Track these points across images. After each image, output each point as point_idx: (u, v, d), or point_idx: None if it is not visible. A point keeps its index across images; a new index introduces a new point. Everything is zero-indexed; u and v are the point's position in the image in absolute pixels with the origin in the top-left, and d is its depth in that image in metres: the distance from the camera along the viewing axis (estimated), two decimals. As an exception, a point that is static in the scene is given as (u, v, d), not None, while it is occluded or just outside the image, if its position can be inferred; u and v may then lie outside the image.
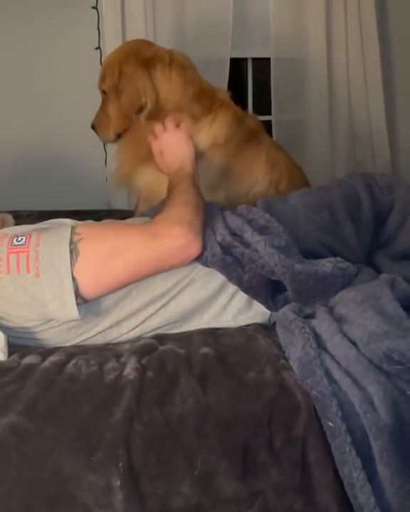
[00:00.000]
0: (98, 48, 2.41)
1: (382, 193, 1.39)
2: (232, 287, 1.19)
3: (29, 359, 1.00)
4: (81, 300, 1.06)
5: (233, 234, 1.22)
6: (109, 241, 1.08)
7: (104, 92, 1.68)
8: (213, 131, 1.58)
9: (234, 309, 1.20)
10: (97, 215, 1.94)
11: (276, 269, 1.13)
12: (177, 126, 1.47)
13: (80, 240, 1.06)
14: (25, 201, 2.15)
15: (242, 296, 1.19)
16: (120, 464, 0.82)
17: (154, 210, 1.34)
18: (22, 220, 1.97)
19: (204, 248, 1.15)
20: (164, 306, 1.16)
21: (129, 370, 0.95)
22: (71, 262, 1.03)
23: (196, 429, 0.87)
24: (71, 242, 1.05)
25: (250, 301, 1.20)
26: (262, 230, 1.22)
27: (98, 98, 2.43)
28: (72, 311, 1.03)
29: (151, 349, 1.04)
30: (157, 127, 1.47)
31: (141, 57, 1.57)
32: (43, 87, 2.42)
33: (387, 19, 2.68)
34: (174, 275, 1.15)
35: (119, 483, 0.81)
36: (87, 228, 1.12)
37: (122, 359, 1.00)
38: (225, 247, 1.19)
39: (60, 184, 2.45)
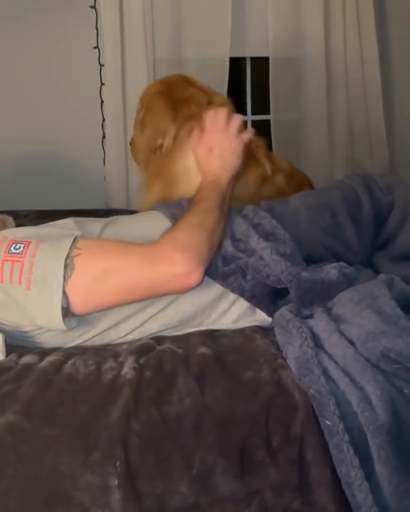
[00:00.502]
0: (96, 47, 2.41)
1: (382, 194, 1.39)
2: (233, 294, 1.17)
3: (27, 359, 1.00)
4: (72, 314, 1.04)
5: (238, 239, 1.20)
6: (106, 260, 1.05)
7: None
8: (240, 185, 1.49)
9: (234, 315, 1.19)
10: (95, 215, 1.93)
11: (282, 277, 1.12)
12: (241, 131, 1.36)
13: (78, 255, 1.03)
14: (24, 201, 2.15)
15: (243, 303, 1.18)
16: (118, 463, 0.82)
17: (165, 207, 1.31)
18: (20, 220, 1.96)
19: None
20: (163, 309, 1.14)
21: (127, 370, 0.95)
22: (65, 277, 1.01)
23: (193, 428, 0.87)
24: (68, 256, 1.02)
25: (251, 308, 1.19)
26: (267, 236, 1.21)
27: (96, 97, 2.46)
28: (60, 326, 1.02)
29: (149, 349, 1.04)
30: (222, 118, 1.35)
31: (172, 97, 1.47)
32: (41, 87, 2.42)
33: (386, 18, 2.69)
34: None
35: (116, 482, 0.81)
36: (87, 242, 1.08)
37: (120, 359, 1.00)
38: (228, 258, 1.17)
39: (59, 184, 2.45)
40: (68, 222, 1.22)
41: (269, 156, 1.52)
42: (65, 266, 1.01)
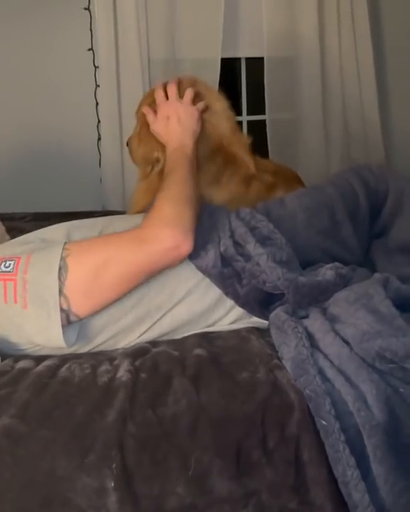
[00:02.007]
0: (91, 49, 2.41)
1: (377, 183, 1.39)
2: (229, 301, 1.17)
3: (23, 363, 1.00)
4: (75, 317, 1.03)
5: (236, 242, 1.20)
6: (97, 253, 1.05)
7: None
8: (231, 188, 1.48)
9: (230, 320, 1.19)
10: (91, 216, 1.93)
11: (279, 283, 1.11)
12: (193, 101, 1.38)
13: (68, 255, 1.03)
14: (20, 203, 2.15)
15: (238, 310, 1.18)
16: (114, 465, 0.82)
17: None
18: (17, 222, 1.97)
19: (206, 255, 1.14)
20: (160, 319, 1.13)
21: (123, 372, 0.95)
22: (61, 279, 1.00)
23: (189, 429, 0.87)
24: (61, 258, 1.02)
25: (247, 313, 1.19)
26: (264, 241, 1.20)
27: (91, 99, 2.45)
28: (60, 343, 1.01)
29: (145, 351, 1.04)
30: (172, 91, 1.39)
31: None
32: (36, 89, 2.42)
33: (380, 17, 2.69)
34: (169, 287, 1.14)
35: (112, 484, 0.81)
36: (76, 243, 1.09)
37: (116, 362, 1.00)
38: (227, 258, 1.17)
39: (55, 186, 2.45)
40: (55, 227, 1.23)
41: (251, 155, 1.52)
42: (59, 269, 1.01)
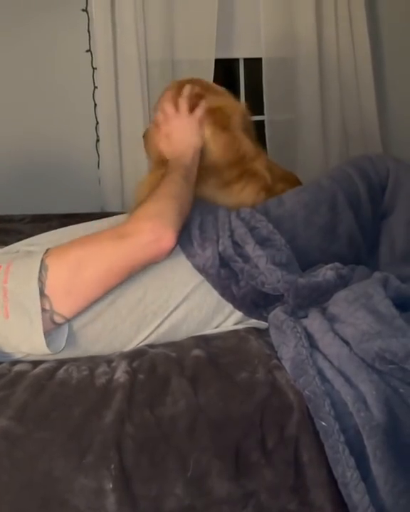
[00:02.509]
0: (89, 50, 2.41)
1: (375, 167, 1.38)
2: (228, 306, 1.16)
3: (20, 366, 0.99)
4: (59, 317, 1.02)
5: (235, 242, 1.19)
6: (77, 250, 1.04)
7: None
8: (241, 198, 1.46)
9: (229, 324, 1.18)
10: (91, 218, 1.93)
11: (279, 286, 1.11)
12: (191, 110, 1.37)
13: (48, 256, 1.03)
14: (19, 205, 2.15)
15: (238, 314, 1.18)
16: (112, 466, 0.82)
17: None
18: (16, 224, 1.97)
19: (203, 253, 1.13)
20: (158, 327, 1.12)
21: (120, 374, 0.94)
22: (41, 280, 0.99)
23: (187, 430, 0.87)
24: (41, 261, 1.01)
25: (246, 318, 1.18)
26: (264, 242, 1.19)
27: (89, 100, 2.45)
28: (43, 351, 1.00)
29: (142, 353, 1.04)
30: (169, 108, 1.39)
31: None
32: (34, 91, 2.43)
33: (377, 17, 2.69)
34: (166, 292, 1.12)
35: (111, 485, 0.81)
36: (57, 246, 1.08)
37: (113, 364, 0.99)
38: (225, 258, 1.16)
39: (53, 187, 2.46)
40: (37, 238, 1.23)
41: (268, 166, 1.49)
42: (39, 270, 1.00)
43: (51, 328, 1.01)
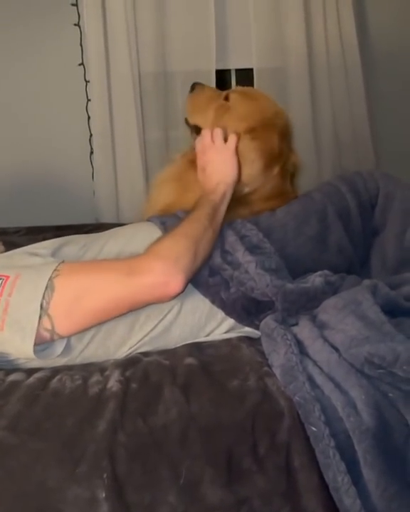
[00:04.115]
0: (82, 64, 2.44)
1: (365, 183, 1.41)
2: (221, 312, 1.17)
3: (14, 376, 1.00)
4: (58, 337, 1.03)
5: (226, 251, 1.21)
6: (85, 277, 1.04)
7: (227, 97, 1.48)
8: None
9: (222, 331, 1.19)
10: (85, 230, 1.95)
11: (268, 290, 1.12)
12: (225, 140, 1.36)
13: (57, 276, 1.02)
14: (13, 217, 2.16)
15: (230, 321, 1.19)
16: (105, 475, 0.82)
17: (158, 218, 1.32)
18: (10, 237, 1.98)
19: None
20: (150, 331, 1.13)
21: (113, 383, 0.95)
22: (46, 299, 0.99)
23: (180, 438, 0.87)
24: (49, 279, 1.01)
25: (239, 324, 1.20)
26: (253, 249, 1.21)
27: (83, 113, 2.48)
28: (35, 362, 1.02)
29: (136, 361, 1.05)
30: (206, 139, 1.37)
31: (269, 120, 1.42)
32: (28, 104, 2.46)
33: (366, 26, 2.71)
34: (159, 311, 1.13)
35: (104, 494, 0.81)
36: (67, 265, 1.07)
37: (107, 372, 1.00)
38: (214, 268, 1.18)
39: (48, 199, 2.48)
40: (49, 242, 1.22)
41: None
42: (46, 287, 1.00)
43: (48, 341, 1.03)
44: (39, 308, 0.99)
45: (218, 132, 1.37)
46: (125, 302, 1.05)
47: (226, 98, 1.46)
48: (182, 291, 1.06)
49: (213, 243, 1.19)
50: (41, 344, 1.02)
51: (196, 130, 1.48)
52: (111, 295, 1.03)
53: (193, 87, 1.54)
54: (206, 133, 1.38)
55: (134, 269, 1.04)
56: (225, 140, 1.37)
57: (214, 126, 1.40)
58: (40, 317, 0.99)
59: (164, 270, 1.03)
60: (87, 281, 1.04)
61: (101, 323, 1.08)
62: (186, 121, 1.53)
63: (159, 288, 1.03)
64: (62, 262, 1.08)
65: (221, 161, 1.34)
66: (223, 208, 1.26)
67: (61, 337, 1.04)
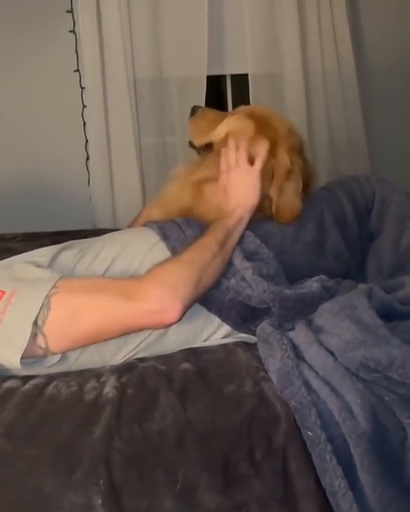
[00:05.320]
0: (77, 70, 2.45)
1: (362, 187, 1.41)
2: (217, 319, 1.17)
3: (10, 383, 1.00)
4: (51, 353, 1.03)
5: None
6: (81, 298, 1.02)
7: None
8: None
9: (219, 337, 1.20)
10: (82, 235, 1.94)
11: (265, 296, 1.12)
12: (251, 161, 1.32)
13: (55, 293, 1.00)
14: (10, 223, 2.16)
15: (227, 327, 1.19)
16: (101, 482, 0.82)
17: (156, 223, 1.31)
18: (7, 243, 1.98)
19: None
20: (145, 339, 1.13)
21: (109, 389, 0.95)
22: (41, 317, 0.98)
23: (176, 443, 0.87)
24: (46, 297, 1.00)
25: (235, 331, 1.20)
26: (251, 256, 1.21)
27: (79, 119, 2.48)
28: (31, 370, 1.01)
29: (132, 367, 1.04)
30: (230, 158, 1.32)
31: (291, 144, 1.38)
32: (24, 111, 2.46)
33: (361, 30, 2.73)
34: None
35: (100, 501, 0.81)
36: (66, 281, 1.05)
37: (103, 379, 1.00)
38: None
39: (45, 205, 2.48)
40: (46, 250, 1.21)
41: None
42: (42, 305, 0.99)
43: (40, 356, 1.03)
44: (31, 327, 0.98)
45: (243, 153, 1.32)
46: (120, 326, 1.04)
47: None
48: (179, 320, 1.03)
49: (220, 271, 1.15)
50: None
51: (205, 148, 1.45)
52: (106, 318, 1.01)
53: (194, 110, 1.49)
54: (230, 152, 1.33)
55: (131, 293, 1.01)
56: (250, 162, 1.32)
57: (229, 139, 1.35)
58: (35, 335, 0.98)
59: (162, 298, 1.00)
60: (83, 302, 1.01)
61: (91, 344, 1.06)
62: (191, 145, 1.49)
63: (154, 316, 1.01)
64: (61, 278, 1.06)
65: (244, 184, 1.30)
66: (237, 234, 1.23)
67: (55, 354, 1.03)
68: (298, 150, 1.41)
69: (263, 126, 1.38)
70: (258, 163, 1.32)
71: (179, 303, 1.02)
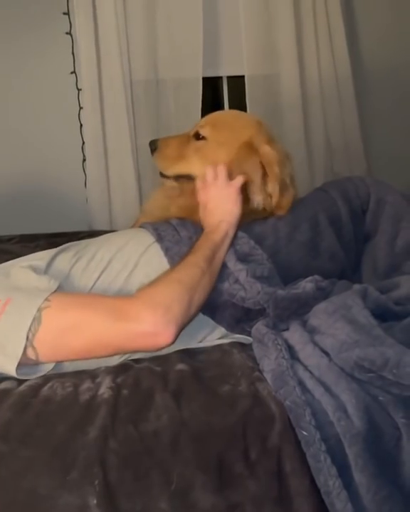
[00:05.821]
0: (73, 72, 2.45)
1: (357, 189, 1.42)
2: (212, 321, 1.18)
3: (5, 384, 1.00)
4: (43, 363, 1.02)
5: None
6: (73, 314, 1.00)
7: (198, 136, 1.41)
8: None
9: (217, 337, 1.20)
10: (78, 237, 1.95)
11: (259, 298, 1.13)
12: (230, 177, 1.31)
13: (47, 307, 0.99)
14: (6, 225, 2.16)
15: (222, 329, 1.19)
16: (96, 482, 0.82)
17: (151, 225, 1.31)
18: (3, 245, 1.98)
19: None
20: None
21: (104, 390, 0.95)
22: (32, 330, 0.97)
23: (171, 443, 0.87)
24: (38, 310, 0.98)
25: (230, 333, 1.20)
26: (245, 257, 1.21)
27: (75, 120, 2.48)
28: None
29: (127, 368, 1.05)
30: (209, 174, 1.32)
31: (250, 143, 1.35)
32: (20, 113, 2.46)
33: (357, 32, 2.74)
34: None
35: (95, 501, 0.81)
36: (59, 295, 1.04)
37: (98, 379, 1.00)
38: None
39: (41, 207, 2.48)
40: (41, 254, 1.21)
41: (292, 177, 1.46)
42: (33, 319, 0.98)
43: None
44: (25, 337, 0.97)
45: (222, 169, 1.31)
46: (109, 346, 1.02)
47: (197, 136, 1.40)
48: (173, 342, 1.01)
49: (210, 288, 1.14)
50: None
51: (183, 177, 1.42)
52: (96, 337, 1.00)
53: (153, 145, 1.48)
54: (209, 170, 1.32)
55: (123, 314, 0.99)
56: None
57: (205, 166, 1.34)
58: (25, 347, 0.98)
59: (154, 321, 0.98)
60: (74, 318, 1.00)
61: (81, 360, 1.06)
62: (163, 175, 1.46)
63: (148, 338, 0.99)
64: (55, 291, 1.05)
65: (223, 197, 1.28)
66: (224, 248, 1.21)
67: (43, 364, 1.03)
68: (275, 139, 1.41)
69: (231, 131, 1.37)
70: (238, 180, 1.30)
71: (173, 325, 1.00)
